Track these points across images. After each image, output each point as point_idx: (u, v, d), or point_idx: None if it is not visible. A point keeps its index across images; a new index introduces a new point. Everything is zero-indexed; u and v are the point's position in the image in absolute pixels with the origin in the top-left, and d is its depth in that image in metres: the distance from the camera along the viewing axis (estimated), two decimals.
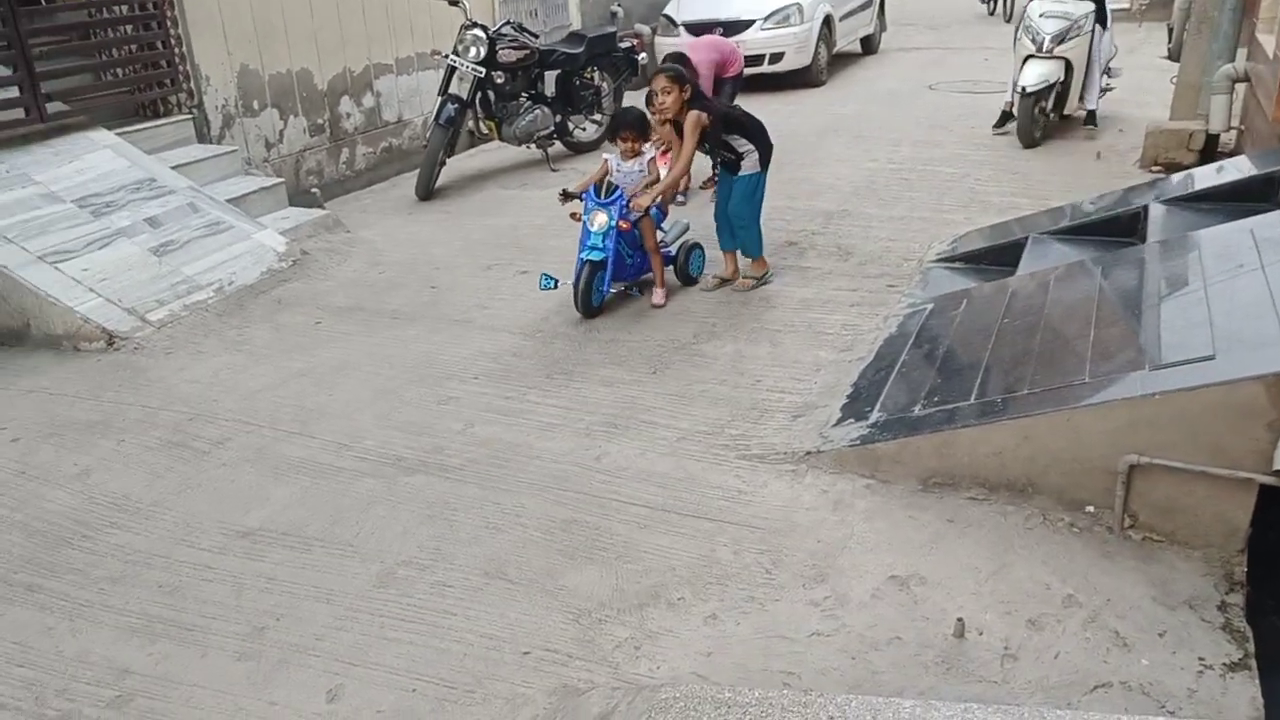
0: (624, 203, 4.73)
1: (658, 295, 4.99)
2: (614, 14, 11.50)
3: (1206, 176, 4.82)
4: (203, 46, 6.47)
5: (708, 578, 2.90)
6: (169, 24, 6.28)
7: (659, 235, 5.06)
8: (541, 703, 2.48)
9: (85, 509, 3.46)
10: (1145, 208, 4.55)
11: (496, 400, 4.09)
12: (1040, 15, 7.58)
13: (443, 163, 7.37)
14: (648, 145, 5.02)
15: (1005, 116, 8.10)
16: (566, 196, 4.85)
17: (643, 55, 9.07)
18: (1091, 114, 7.92)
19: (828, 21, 10.95)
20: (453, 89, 7.33)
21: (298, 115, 7.27)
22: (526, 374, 4.31)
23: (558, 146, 8.27)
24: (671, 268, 5.15)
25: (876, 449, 3.33)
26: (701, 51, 6.70)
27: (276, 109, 7.07)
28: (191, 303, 5.14)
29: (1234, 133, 6.28)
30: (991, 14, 15.93)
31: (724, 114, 4.90)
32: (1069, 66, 7.51)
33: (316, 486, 3.52)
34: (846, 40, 11.90)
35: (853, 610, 2.74)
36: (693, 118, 4.71)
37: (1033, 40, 7.51)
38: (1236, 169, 4.71)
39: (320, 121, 7.49)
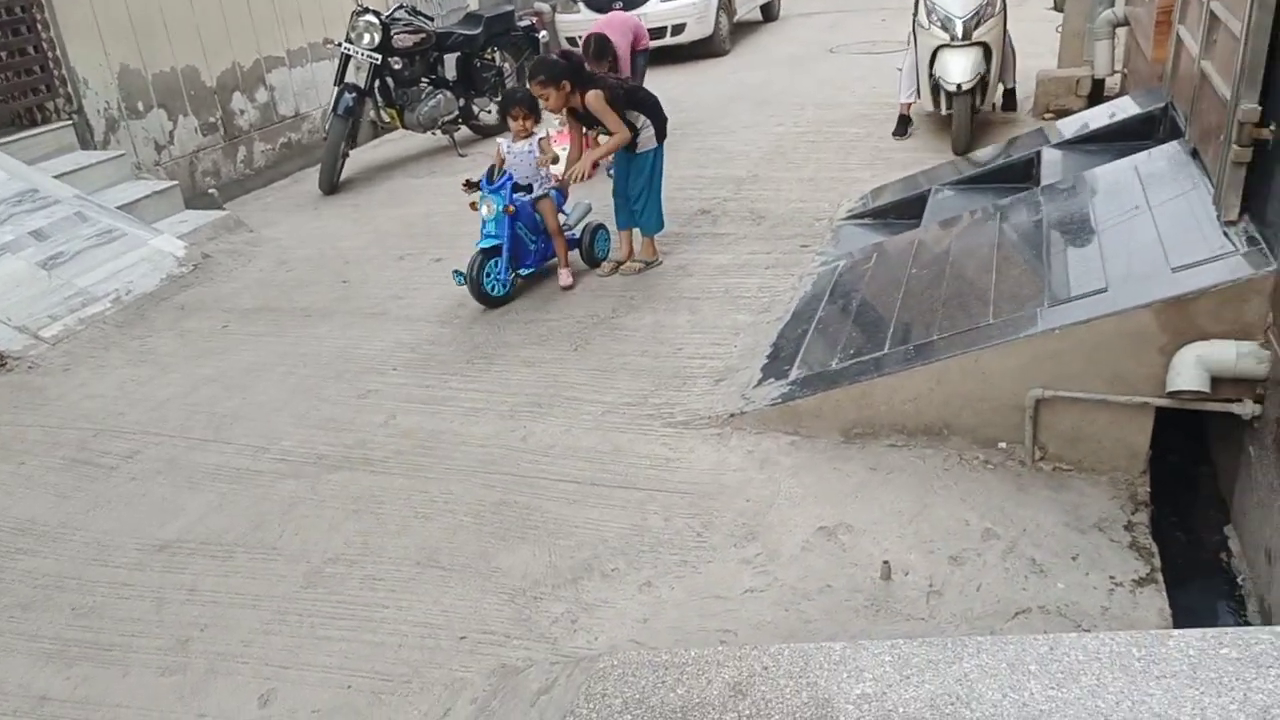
0: (511, 187, 4.64)
1: (564, 277, 4.93)
2: None
3: (1093, 119, 4.99)
4: (78, 49, 6.17)
5: (640, 546, 2.92)
6: (39, 27, 5.97)
7: (561, 218, 4.98)
8: (481, 685, 2.47)
9: None
10: (1038, 153, 4.69)
11: (417, 390, 4.03)
12: None
13: (345, 155, 7.19)
14: (540, 126, 4.92)
15: (904, 121, 6.93)
16: (470, 186, 4.77)
17: (543, 33, 8.97)
18: (1011, 93, 6.96)
19: None
20: (349, 78, 7.14)
21: (187, 115, 7.00)
22: (447, 361, 4.26)
23: (464, 131, 8.14)
24: (577, 250, 5.08)
25: (798, 405, 3.38)
26: (616, 31, 6.65)
27: (164, 109, 6.80)
28: (88, 315, 4.93)
29: (1119, 76, 6.50)
30: None
31: (619, 88, 4.79)
32: (988, 52, 6.25)
33: (235, 492, 3.43)
34: (746, 8, 11.94)
35: (784, 564, 2.78)
36: (594, 96, 4.60)
37: (943, 27, 6.24)
38: (1121, 110, 4.88)
39: (212, 120, 7.23)
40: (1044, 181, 4.28)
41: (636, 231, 5.03)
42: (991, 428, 3.12)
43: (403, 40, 7.28)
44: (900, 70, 7.00)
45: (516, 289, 4.83)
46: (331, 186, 7.14)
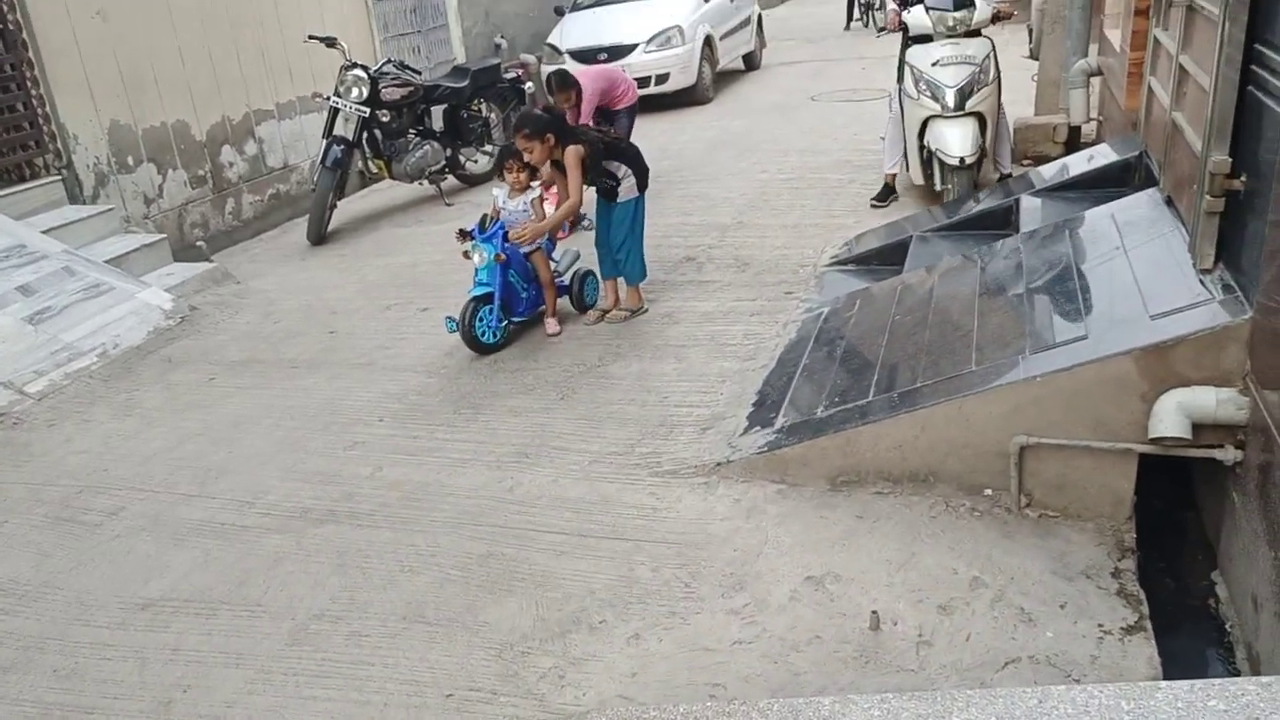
0: (503, 235, 4.69)
1: (551, 325, 4.97)
2: (498, 45, 11.53)
3: (1071, 167, 5.08)
4: (68, 104, 6.23)
5: (628, 598, 2.90)
6: (29, 84, 6.03)
7: (550, 265, 5.04)
8: None
9: None
10: (1017, 200, 4.77)
11: (404, 441, 4.02)
12: (934, 64, 5.87)
13: (333, 206, 7.24)
14: (536, 182, 4.96)
15: (888, 190, 6.50)
16: (464, 236, 4.82)
17: (529, 84, 9.10)
18: (1005, 179, 6.18)
19: (709, 41, 11.17)
20: (338, 130, 7.22)
21: (177, 168, 7.05)
22: (434, 412, 4.25)
23: (451, 180, 8.22)
24: (567, 297, 5.13)
25: (784, 454, 3.39)
26: (587, 79, 6.70)
27: (154, 163, 6.85)
28: (74, 370, 4.92)
29: (1094, 123, 6.63)
30: (848, 29, 16.33)
31: (599, 142, 4.82)
32: (982, 123, 5.85)
33: (219, 548, 3.40)
34: (729, 58, 12.16)
35: (772, 614, 2.77)
36: (571, 153, 4.64)
37: (933, 96, 5.84)
38: (1097, 157, 4.98)
39: (201, 173, 7.28)
40: (1023, 228, 4.35)
41: (621, 280, 5.07)
42: (977, 474, 3.13)
43: (390, 93, 7.38)
44: (884, 139, 6.74)
45: (508, 336, 4.86)
46: (319, 237, 7.18)
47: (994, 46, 6.08)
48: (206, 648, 2.90)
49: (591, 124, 6.45)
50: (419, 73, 8.09)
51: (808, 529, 3.14)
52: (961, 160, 5.68)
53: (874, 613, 2.69)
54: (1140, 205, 3.81)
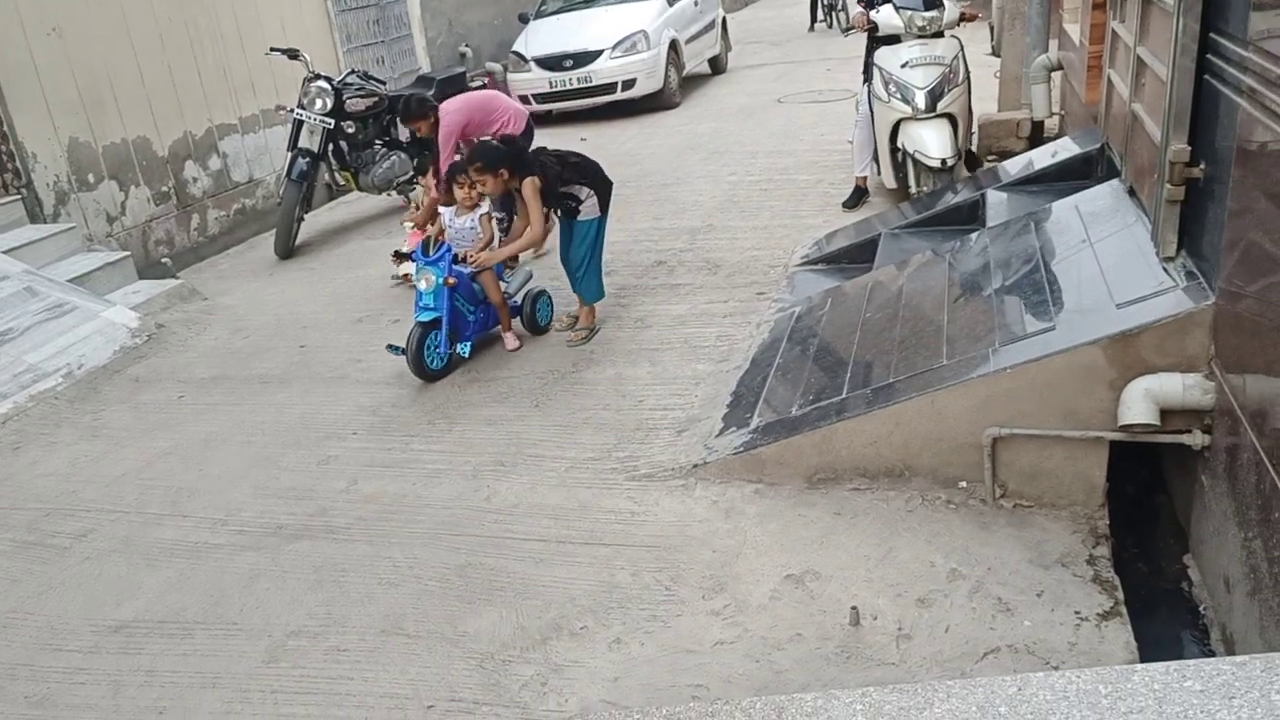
0: (450, 258, 4.52)
1: (509, 341, 4.84)
2: (463, 54, 11.49)
3: (1034, 161, 5.14)
4: (25, 123, 6.12)
5: (609, 603, 2.90)
6: None
7: (501, 285, 4.85)
8: None
9: None
10: (983, 195, 4.82)
11: (379, 454, 3.99)
12: (904, 66, 5.79)
13: (300, 219, 7.17)
14: (485, 201, 4.78)
15: (859, 193, 6.49)
16: (400, 258, 4.64)
17: None
18: (971, 154, 6.43)
19: (674, 45, 11.20)
20: (303, 143, 7.15)
21: (139, 185, 6.96)
22: (408, 423, 4.22)
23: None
24: (519, 318, 4.95)
25: (760, 453, 3.40)
26: (452, 108, 5.96)
27: (115, 180, 6.75)
28: (38, 392, 4.84)
29: (1056, 118, 6.71)
30: (813, 30, 16.43)
31: (556, 169, 4.63)
32: (954, 124, 5.80)
33: (193, 568, 3.35)
34: (695, 62, 12.20)
35: (753, 614, 2.77)
36: (529, 185, 4.50)
37: (904, 99, 5.76)
38: (1060, 151, 5.04)
39: (165, 189, 7.19)
40: (990, 222, 4.39)
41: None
42: (951, 468, 3.15)
43: (355, 104, 7.33)
44: (851, 142, 6.70)
45: (454, 362, 4.65)
46: (287, 251, 7.11)
47: (962, 46, 6.07)
48: (182, 669, 2.85)
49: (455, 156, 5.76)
50: (384, 83, 8.04)
51: (786, 528, 3.14)
52: (943, 163, 5.62)
53: (854, 608, 2.70)
54: (1103, 196, 3.86)
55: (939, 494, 3.16)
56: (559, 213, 4.79)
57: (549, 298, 5.10)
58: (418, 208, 6.26)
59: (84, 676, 2.87)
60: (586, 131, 10.32)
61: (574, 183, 4.69)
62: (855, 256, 5.12)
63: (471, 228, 4.75)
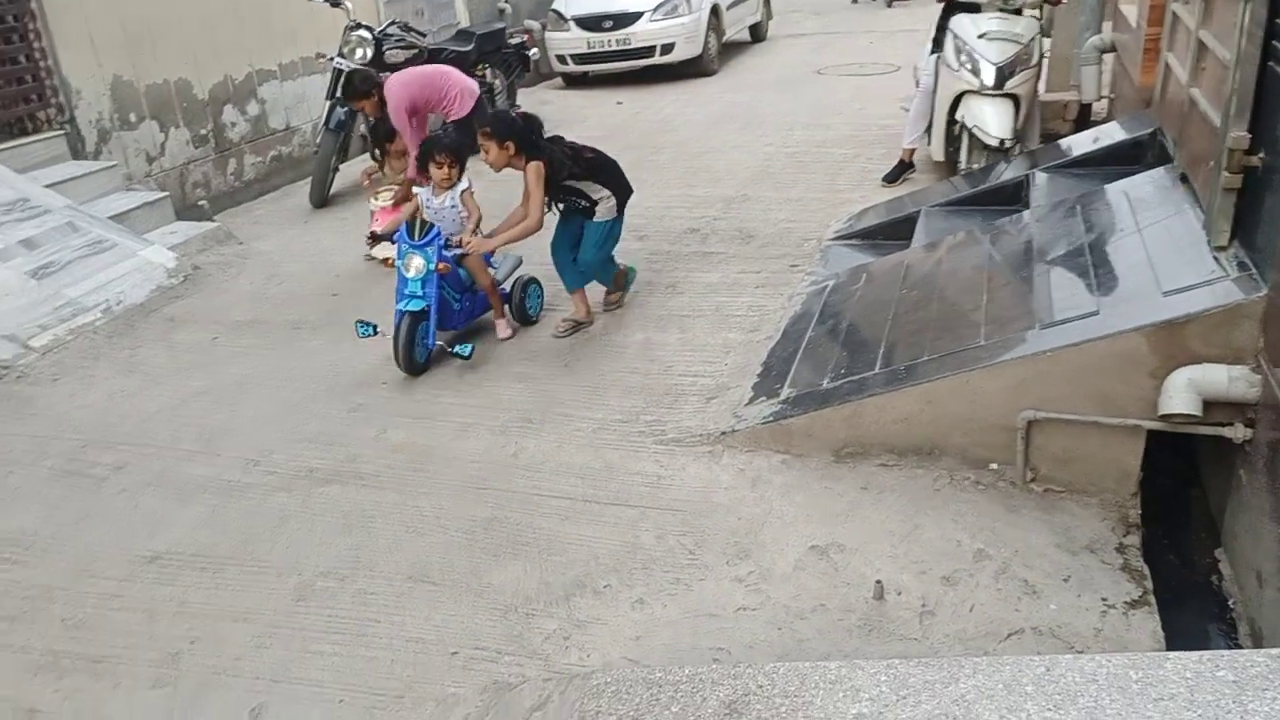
0: (441, 242, 4.21)
1: (502, 328, 4.56)
2: (502, 10, 11.40)
3: (1082, 144, 5.06)
4: (70, 59, 6.15)
5: (632, 564, 2.92)
6: (31, 36, 5.95)
7: (490, 271, 4.54)
8: (473, 701, 2.46)
9: None
10: (1028, 176, 4.75)
11: (408, 405, 4.02)
12: (980, 37, 5.57)
13: (336, 169, 7.18)
14: (464, 177, 4.44)
15: (903, 167, 6.37)
16: (374, 240, 4.29)
17: (534, 50, 9.02)
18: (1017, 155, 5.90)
19: (715, 11, 11.06)
20: (341, 92, 7.14)
21: (179, 127, 6.98)
22: (437, 377, 4.25)
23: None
24: (507, 306, 4.64)
25: (789, 424, 3.40)
26: (397, 84, 5.71)
27: (156, 121, 6.78)
28: (77, 326, 4.90)
29: (1106, 101, 6.59)
30: (855, 2, 16.20)
31: (567, 162, 4.28)
32: (1017, 106, 5.60)
33: (225, 506, 3.41)
34: (735, 29, 12.05)
35: (776, 583, 2.79)
36: (533, 170, 4.18)
37: (974, 71, 5.56)
38: (1109, 135, 4.95)
39: (204, 132, 7.21)
40: (1034, 204, 4.34)
41: (581, 292, 4.61)
42: (982, 448, 3.14)
43: (394, 55, 7.30)
44: (907, 110, 6.53)
45: (434, 357, 4.32)
46: (322, 200, 7.13)
47: (1041, 30, 5.84)
48: (214, 602, 2.91)
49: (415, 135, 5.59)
50: (424, 35, 8.00)
51: (812, 500, 3.15)
52: (1001, 143, 5.44)
53: (878, 582, 2.71)
54: (1153, 182, 3.79)
55: (968, 474, 3.16)
56: (560, 207, 4.46)
57: (539, 286, 4.77)
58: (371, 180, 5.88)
59: (119, 603, 2.94)
60: (622, 95, 10.25)
61: (584, 180, 4.35)
62: (891, 233, 5.07)
63: (453, 206, 4.39)
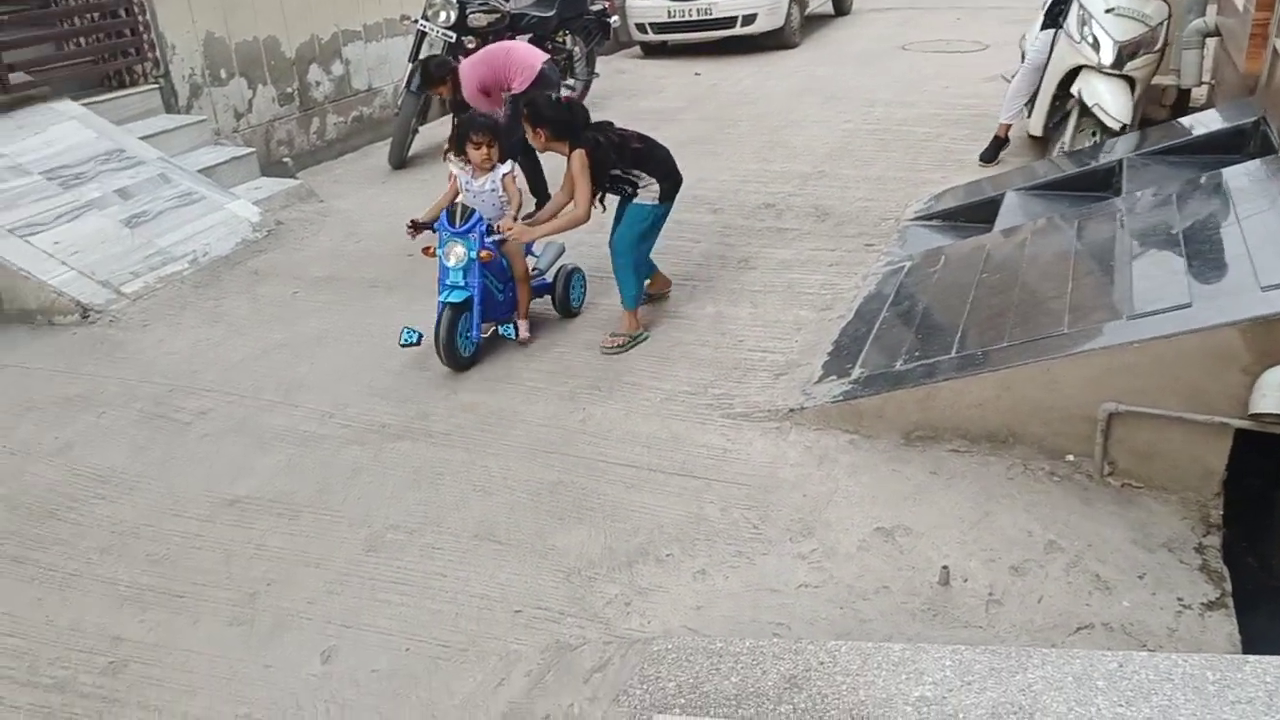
0: (483, 228, 3.95)
1: (522, 329, 4.23)
2: None
3: (1179, 130, 4.87)
4: (167, 14, 6.32)
5: (696, 535, 2.94)
6: None
7: (530, 261, 4.33)
8: (535, 659, 2.51)
9: (69, 482, 3.43)
10: (1121, 162, 4.59)
11: (479, 367, 4.08)
12: (1108, 11, 5.41)
13: (415, 130, 7.27)
14: (507, 161, 4.23)
15: (998, 144, 6.18)
16: (416, 228, 4.06)
17: (615, 18, 8.97)
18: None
19: None
20: (424, 55, 7.21)
21: (266, 84, 7.14)
22: (507, 341, 4.29)
23: None
24: (550, 299, 4.39)
25: (859, 404, 3.36)
26: (468, 69, 5.76)
27: (245, 78, 6.94)
28: (166, 275, 5.08)
29: (1206, 87, 6.32)
30: None
31: (613, 151, 4.04)
32: (1132, 89, 5.44)
33: (302, 455, 3.51)
34: (819, 1, 11.83)
35: (840, 562, 2.78)
36: (576, 159, 3.96)
37: (1094, 45, 5.39)
38: (1208, 122, 4.76)
39: (289, 90, 7.36)
40: (1126, 191, 4.19)
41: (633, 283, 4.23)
42: (1059, 439, 3.07)
43: (477, 19, 7.34)
44: (1008, 80, 6.31)
45: (482, 348, 4.13)
46: (401, 161, 7.23)
47: (1171, 15, 5.68)
48: (289, 547, 3.01)
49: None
50: (507, 0, 8.02)
51: (879, 481, 3.12)
52: (1123, 128, 5.27)
53: (944, 568, 2.68)
54: (1255, 172, 3.63)
55: (1043, 464, 3.09)
56: (603, 199, 4.17)
57: (583, 276, 4.56)
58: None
59: (200, 543, 3.06)
60: (701, 66, 10.15)
61: (633, 168, 4.11)
62: (972, 215, 4.96)
63: (493, 189, 4.15)
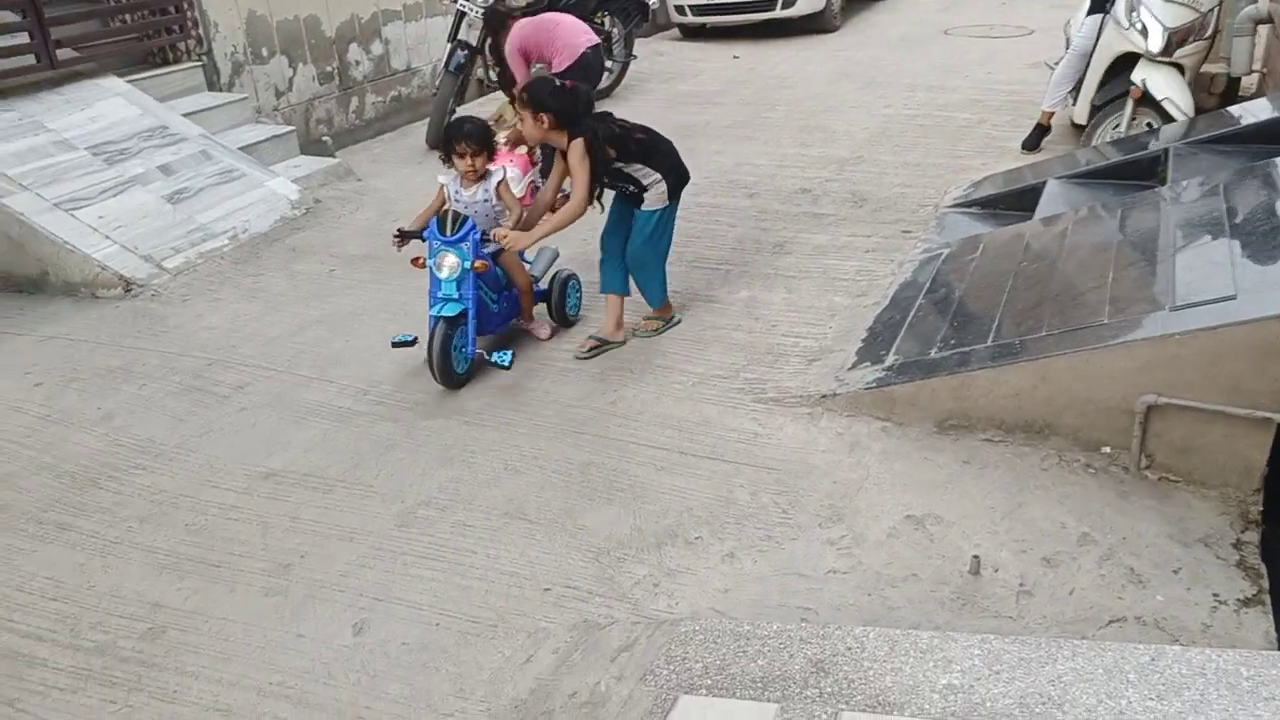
0: (477, 237, 3.72)
1: (541, 329, 4.15)
2: None
3: (1228, 119, 4.75)
4: None
5: (725, 518, 2.94)
6: None
7: (525, 267, 4.14)
8: (563, 636, 2.53)
9: (111, 452, 3.51)
10: (1166, 151, 4.49)
11: (511, 346, 4.09)
12: None
13: (453, 110, 7.29)
14: (495, 165, 4.00)
15: (1041, 131, 6.14)
16: (404, 237, 3.86)
17: (654, 1, 8.93)
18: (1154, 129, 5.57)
19: None
20: (462, 35, 7.24)
21: (307, 63, 7.20)
22: (541, 320, 4.31)
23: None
24: (546, 307, 4.21)
25: (892, 391, 3.34)
26: (516, 28, 5.80)
27: (285, 57, 7.01)
28: (207, 250, 5.15)
29: (1257, 75, 6.17)
30: None
31: (618, 139, 3.81)
32: (1180, 76, 5.37)
33: (336, 430, 3.56)
34: None
35: (869, 549, 2.77)
36: (575, 148, 3.72)
37: (1143, 31, 5.30)
38: (1258, 111, 4.64)
39: (329, 69, 7.42)
40: (1171, 180, 4.11)
41: (622, 297, 4.09)
42: (1096, 430, 3.03)
43: (516, 0, 7.34)
44: (1052, 67, 6.23)
45: (477, 363, 3.89)
46: (438, 141, 7.24)
47: (1221, 1, 5.59)
48: (323, 520, 3.06)
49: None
50: None
51: (911, 469, 3.10)
52: (1188, 122, 5.11)
53: (975, 557, 2.66)
54: None
55: (1078, 456, 3.05)
56: (600, 197, 3.91)
57: (578, 282, 4.34)
58: (500, 119, 5.94)
59: (236, 514, 3.12)
60: (739, 49, 10.08)
61: (633, 162, 3.88)
62: (1012, 203, 4.88)
63: (485, 199, 3.91)
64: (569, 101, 3.74)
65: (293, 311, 4.56)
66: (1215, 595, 2.49)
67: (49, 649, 2.61)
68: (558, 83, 3.83)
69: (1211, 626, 2.39)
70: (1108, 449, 3.03)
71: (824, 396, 3.48)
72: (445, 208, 3.87)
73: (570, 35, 5.87)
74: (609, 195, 4.00)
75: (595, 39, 5.98)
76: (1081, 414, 3.03)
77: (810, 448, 3.25)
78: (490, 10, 6.06)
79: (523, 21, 5.89)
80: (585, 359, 3.96)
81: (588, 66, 5.72)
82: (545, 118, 3.72)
